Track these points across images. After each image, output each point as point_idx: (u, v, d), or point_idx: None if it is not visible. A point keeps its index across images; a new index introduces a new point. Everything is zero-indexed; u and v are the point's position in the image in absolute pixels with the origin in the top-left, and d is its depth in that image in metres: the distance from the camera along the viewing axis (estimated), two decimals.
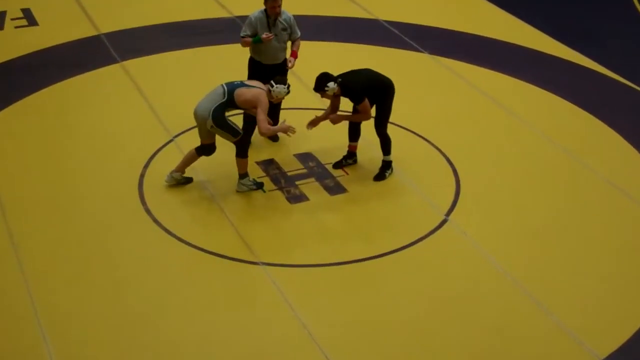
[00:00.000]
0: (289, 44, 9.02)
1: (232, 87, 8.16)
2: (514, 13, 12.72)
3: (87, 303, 7.18)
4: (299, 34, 8.99)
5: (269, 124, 8.19)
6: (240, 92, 8.11)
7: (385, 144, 8.75)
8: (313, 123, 8.67)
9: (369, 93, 8.49)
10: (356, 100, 8.45)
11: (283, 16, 8.80)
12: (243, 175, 8.50)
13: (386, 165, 8.84)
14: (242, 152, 8.38)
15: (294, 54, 9.00)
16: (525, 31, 12.24)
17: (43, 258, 7.66)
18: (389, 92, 8.61)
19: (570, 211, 8.47)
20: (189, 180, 8.63)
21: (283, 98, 8.38)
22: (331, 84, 8.34)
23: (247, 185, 8.52)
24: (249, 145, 8.66)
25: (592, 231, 8.19)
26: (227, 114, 8.21)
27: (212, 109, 8.11)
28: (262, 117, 8.07)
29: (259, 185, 8.59)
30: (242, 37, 8.83)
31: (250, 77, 8.94)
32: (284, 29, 8.81)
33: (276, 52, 8.86)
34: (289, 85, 8.26)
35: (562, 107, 10.30)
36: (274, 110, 9.12)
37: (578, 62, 11.35)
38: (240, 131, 8.28)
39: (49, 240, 7.87)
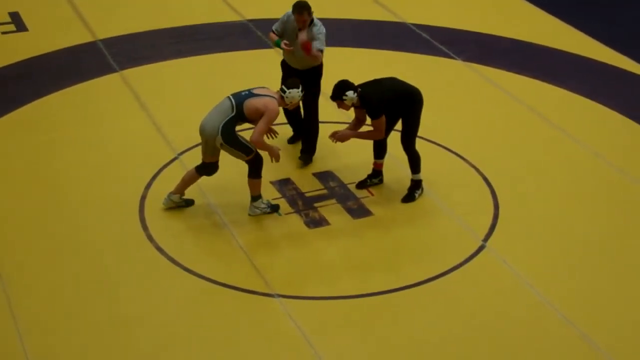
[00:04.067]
0: (323, 57, 9.19)
1: (240, 99, 8.38)
2: (559, 16, 12.78)
3: (85, 343, 7.25)
4: (321, 48, 9.03)
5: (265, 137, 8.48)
6: (250, 103, 8.35)
7: (414, 161, 8.90)
8: (339, 136, 8.73)
9: (392, 105, 8.62)
10: (372, 115, 8.58)
11: (314, 27, 9.02)
12: (256, 197, 8.68)
13: (415, 185, 8.98)
14: (255, 172, 8.56)
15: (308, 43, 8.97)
16: (573, 36, 12.31)
17: (34, 293, 7.73)
18: (417, 102, 8.75)
19: (624, 237, 8.56)
20: (189, 202, 8.82)
21: (298, 102, 8.68)
22: (350, 93, 8.49)
23: (261, 208, 8.72)
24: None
25: None
26: (236, 128, 8.43)
27: (221, 125, 8.33)
28: (263, 127, 8.31)
29: (274, 208, 8.79)
30: (272, 31, 9.28)
31: (283, 80, 9.29)
32: (310, 40, 9.04)
33: (302, 59, 9.16)
34: (302, 88, 8.52)
35: (615, 121, 10.38)
36: (294, 117, 9.56)
37: (634, 72, 11.40)
38: (253, 148, 8.50)
39: (41, 271, 7.96)
